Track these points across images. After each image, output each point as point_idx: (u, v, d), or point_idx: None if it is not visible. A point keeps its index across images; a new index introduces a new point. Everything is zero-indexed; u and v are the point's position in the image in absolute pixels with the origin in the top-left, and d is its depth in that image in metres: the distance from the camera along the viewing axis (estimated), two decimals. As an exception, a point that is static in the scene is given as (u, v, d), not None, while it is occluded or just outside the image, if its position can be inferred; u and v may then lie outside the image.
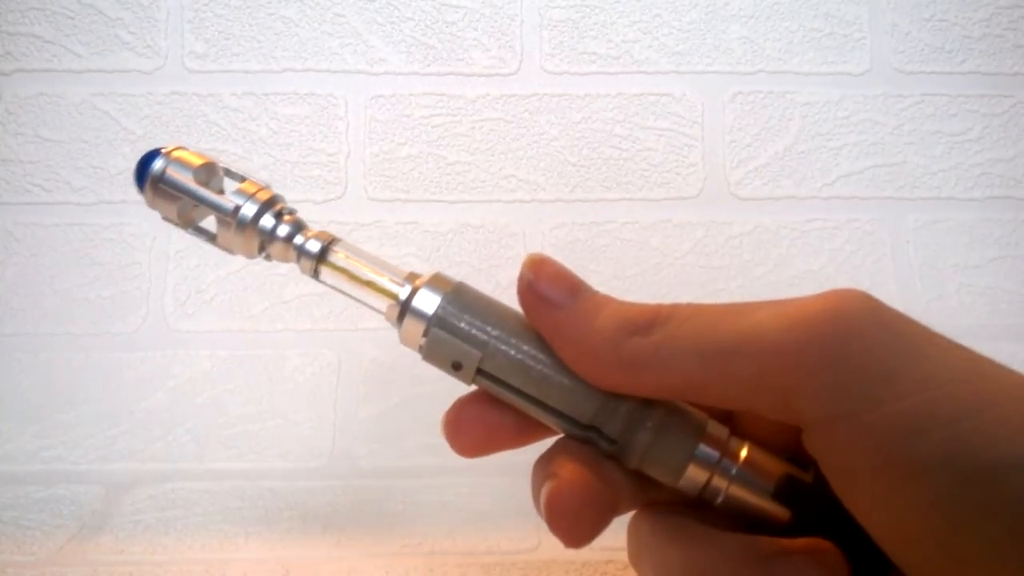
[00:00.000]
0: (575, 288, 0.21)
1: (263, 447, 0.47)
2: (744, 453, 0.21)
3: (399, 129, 0.52)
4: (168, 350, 0.49)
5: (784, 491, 0.20)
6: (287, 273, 0.50)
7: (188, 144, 0.24)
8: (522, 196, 0.52)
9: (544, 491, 0.20)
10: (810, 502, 0.20)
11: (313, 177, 0.51)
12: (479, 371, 0.21)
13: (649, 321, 0.19)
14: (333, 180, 0.51)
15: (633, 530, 0.22)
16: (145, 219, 0.51)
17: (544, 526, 0.20)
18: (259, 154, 0.51)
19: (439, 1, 0.53)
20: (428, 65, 0.53)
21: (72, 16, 0.52)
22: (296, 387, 0.49)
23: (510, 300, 0.22)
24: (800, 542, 0.20)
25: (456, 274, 0.22)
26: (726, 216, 0.52)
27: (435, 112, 0.52)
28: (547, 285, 0.20)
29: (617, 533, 0.21)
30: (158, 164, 0.23)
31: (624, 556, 0.22)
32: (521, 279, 0.21)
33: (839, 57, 0.54)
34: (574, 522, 0.20)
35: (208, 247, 0.24)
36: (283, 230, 0.23)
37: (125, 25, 0.52)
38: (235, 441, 0.47)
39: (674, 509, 0.22)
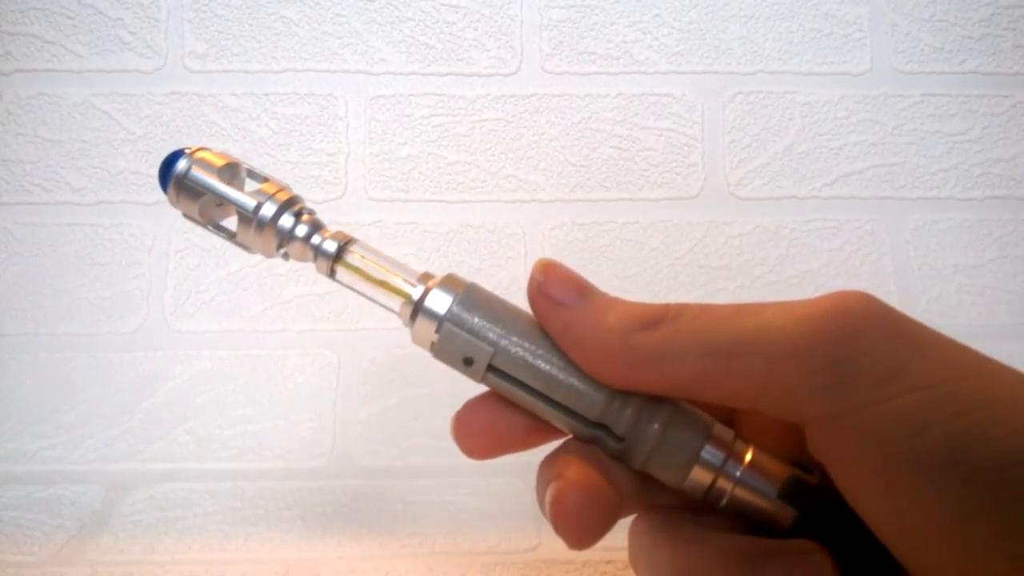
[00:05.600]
0: (584, 290, 0.21)
1: (263, 447, 0.47)
2: (749, 456, 0.21)
3: (399, 129, 0.52)
4: (168, 350, 0.49)
5: (789, 492, 0.21)
6: (287, 273, 0.50)
7: (188, 144, 0.25)
8: (522, 196, 0.52)
9: (549, 492, 0.20)
10: (815, 504, 0.20)
11: (313, 177, 0.51)
12: (490, 367, 0.21)
13: (658, 317, 0.20)
14: (333, 180, 0.51)
15: (633, 533, 0.22)
16: (145, 219, 0.51)
17: (544, 526, 0.20)
18: (259, 154, 0.51)
19: (439, 1, 0.53)
20: (428, 65, 0.53)
21: (72, 16, 0.52)
22: (296, 387, 0.49)
23: (512, 299, 0.22)
24: (789, 543, 0.20)
25: (456, 274, 0.23)
26: (726, 216, 0.52)
27: (435, 112, 0.52)
28: (557, 287, 0.21)
29: (617, 533, 0.21)
30: (182, 164, 0.23)
31: (625, 556, 0.22)
32: (531, 282, 0.21)
33: (839, 57, 0.54)
34: (579, 523, 0.20)
35: (208, 247, 0.24)
36: (301, 230, 0.24)
37: (125, 25, 0.52)
38: (235, 441, 0.47)
39: (673, 511, 0.22)
